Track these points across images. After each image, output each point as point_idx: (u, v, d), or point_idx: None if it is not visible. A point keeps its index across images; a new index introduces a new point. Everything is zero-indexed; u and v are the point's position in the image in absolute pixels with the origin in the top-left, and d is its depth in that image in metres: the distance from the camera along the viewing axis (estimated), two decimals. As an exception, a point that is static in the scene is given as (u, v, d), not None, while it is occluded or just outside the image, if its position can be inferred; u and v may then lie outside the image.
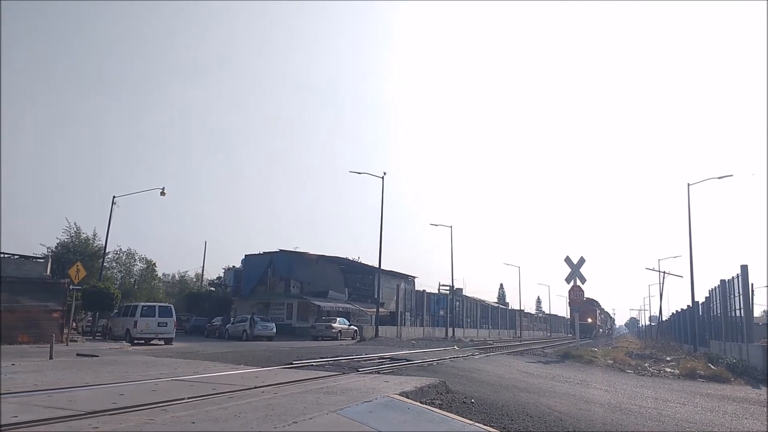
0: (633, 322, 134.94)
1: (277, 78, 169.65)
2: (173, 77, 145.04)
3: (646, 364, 19.87)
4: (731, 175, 31.37)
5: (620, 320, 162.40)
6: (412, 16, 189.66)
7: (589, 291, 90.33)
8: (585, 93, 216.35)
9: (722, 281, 23.27)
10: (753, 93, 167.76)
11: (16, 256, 25.70)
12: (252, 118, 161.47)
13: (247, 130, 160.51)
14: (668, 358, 23.08)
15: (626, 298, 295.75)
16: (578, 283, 26.70)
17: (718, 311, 24.38)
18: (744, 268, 19.65)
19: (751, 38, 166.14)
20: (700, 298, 30.70)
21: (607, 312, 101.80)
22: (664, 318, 52.14)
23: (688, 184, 32.14)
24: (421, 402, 7.67)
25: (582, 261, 25.47)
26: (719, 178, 31.67)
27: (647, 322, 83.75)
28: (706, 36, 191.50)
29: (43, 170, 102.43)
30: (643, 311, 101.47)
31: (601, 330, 73.63)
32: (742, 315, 19.74)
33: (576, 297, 26.08)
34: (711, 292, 26.71)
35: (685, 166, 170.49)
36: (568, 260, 25.85)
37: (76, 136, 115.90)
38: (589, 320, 58.19)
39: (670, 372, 17.61)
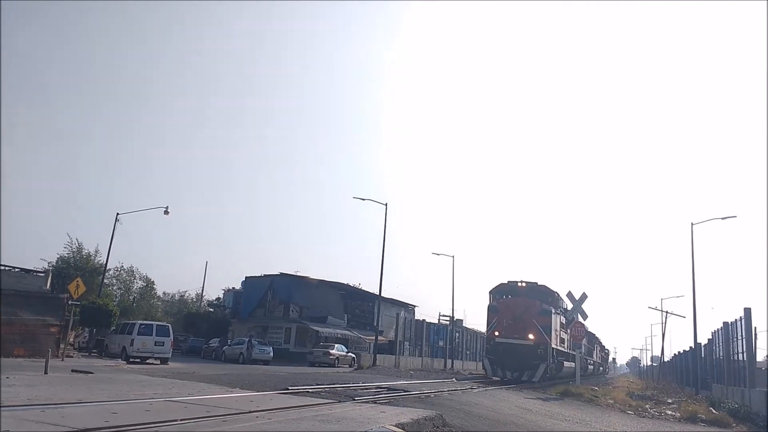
0: (634, 362, 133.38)
1: (282, 102, 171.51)
2: (176, 95, 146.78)
3: (647, 406, 19.59)
4: (735, 216, 31.35)
5: (621, 359, 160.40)
6: (416, 38, 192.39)
7: (590, 328, 50.56)
8: (590, 129, 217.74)
9: (725, 323, 23.06)
10: (759, 134, 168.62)
11: (16, 269, 25.68)
12: (255, 140, 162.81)
13: (251, 153, 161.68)
14: (669, 400, 22.76)
15: (628, 336, 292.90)
16: (580, 319, 26.53)
17: (721, 354, 24.11)
18: (747, 311, 19.49)
19: (760, 76, 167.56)
20: (703, 339, 30.42)
21: (593, 335, 53.49)
22: (666, 358, 51.54)
23: (692, 224, 32.09)
24: (417, 434, 7.55)
25: (584, 297, 25.40)
26: (723, 218, 31.63)
27: (649, 362, 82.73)
28: (714, 74, 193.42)
29: (47, 185, 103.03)
30: (644, 351, 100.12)
31: (562, 362, 31.18)
32: (745, 359, 19.50)
33: (578, 333, 25.97)
34: (714, 334, 26.45)
35: (688, 205, 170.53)
36: (570, 296, 25.75)
37: (81, 151, 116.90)
38: (531, 337, 27.05)
39: (671, 414, 17.34)
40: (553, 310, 28.37)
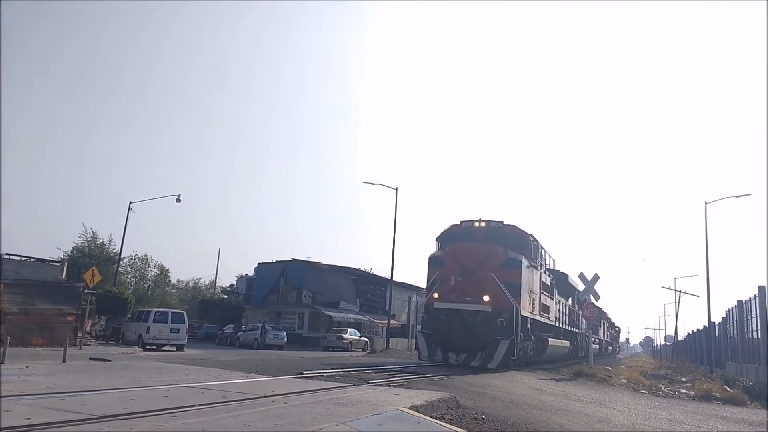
0: (648, 341, 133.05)
1: (294, 88, 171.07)
2: (190, 84, 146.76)
3: (660, 385, 19.58)
4: (749, 195, 30.98)
5: (635, 339, 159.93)
6: (427, 28, 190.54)
7: (603, 308, 47.04)
8: (603, 107, 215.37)
9: (739, 302, 22.95)
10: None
11: (32, 259, 26.02)
12: (267, 128, 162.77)
13: (262, 140, 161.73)
14: (683, 379, 22.73)
15: (641, 316, 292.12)
16: (592, 300, 26.44)
17: (735, 332, 24.02)
18: (762, 289, 19.37)
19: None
20: (717, 318, 30.27)
21: (599, 309, 34.72)
22: (679, 338, 51.37)
23: (706, 203, 31.76)
24: (431, 416, 7.60)
25: (596, 277, 25.19)
26: (737, 197, 31.27)
27: (662, 342, 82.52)
28: (725, 54, 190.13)
29: (61, 175, 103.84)
30: (658, 330, 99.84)
31: (546, 339, 22.87)
32: (759, 337, 19.42)
33: (590, 314, 25.77)
34: (728, 312, 26.33)
35: (702, 183, 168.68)
36: (582, 276, 25.58)
37: (94, 141, 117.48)
38: (486, 299, 18.54)
39: (685, 393, 17.33)
40: (526, 262, 19.91)
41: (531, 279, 20.61)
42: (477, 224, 20.46)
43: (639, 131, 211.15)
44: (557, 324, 25.40)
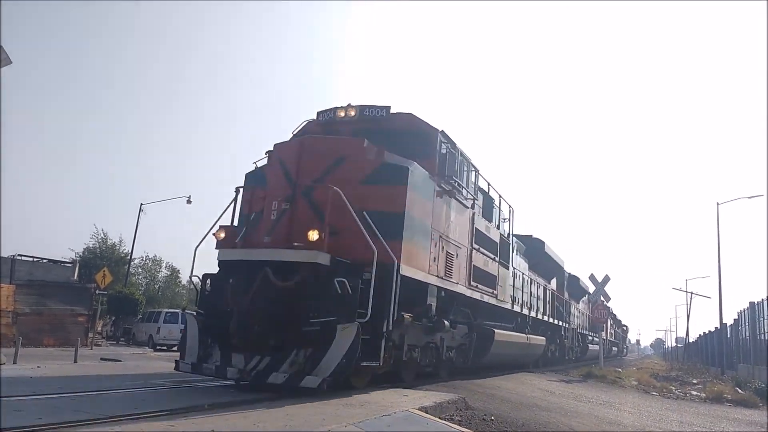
0: (659, 343, 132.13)
1: (298, 87, 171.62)
2: (198, 85, 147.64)
3: (671, 387, 19.46)
4: (761, 195, 30.67)
5: (646, 341, 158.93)
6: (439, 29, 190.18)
7: (614, 310, 43.66)
8: (617, 109, 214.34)
9: (751, 303, 22.78)
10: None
11: (45, 260, 26.27)
12: (275, 127, 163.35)
13: (270, 139, 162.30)
14: (695, 381, 22.59)
15: (652, 318, 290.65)
16: (602, 300, 26.30)
17: (747, 334, 23.83)
18: (774, 291, 19.19)
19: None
20: (729, 319, 30.04)
21: (608, 306, 28.97)
22: (690, 339, 51.05)
23: (718, 204, 31.48)
24: (440, 418, 7.59)
25: (607, 279, 25.03)
26: (749, 197, 31.00)
27: (673, 344, 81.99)
28: (738, 56, 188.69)
29: (74, 176, 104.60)
30: (669, 332, 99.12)
31: (491, 331, 13.14)
32: (772, 339, 19.25)
33: (600, 316, 25.58)
34: (739, 314, 26.13)
35: (714, 184, 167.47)
36: (592, 278, 25.46)
37: (106, 143, 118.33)
38: (313, 238, 8.10)
39: (696, 395, 17.22)
40: (428, 180, 10.45)
41: (443, 215, 11.11)
42: (343, 113, 11.00)
43: (652, 132, 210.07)
44: (519, 309, 17.24)
